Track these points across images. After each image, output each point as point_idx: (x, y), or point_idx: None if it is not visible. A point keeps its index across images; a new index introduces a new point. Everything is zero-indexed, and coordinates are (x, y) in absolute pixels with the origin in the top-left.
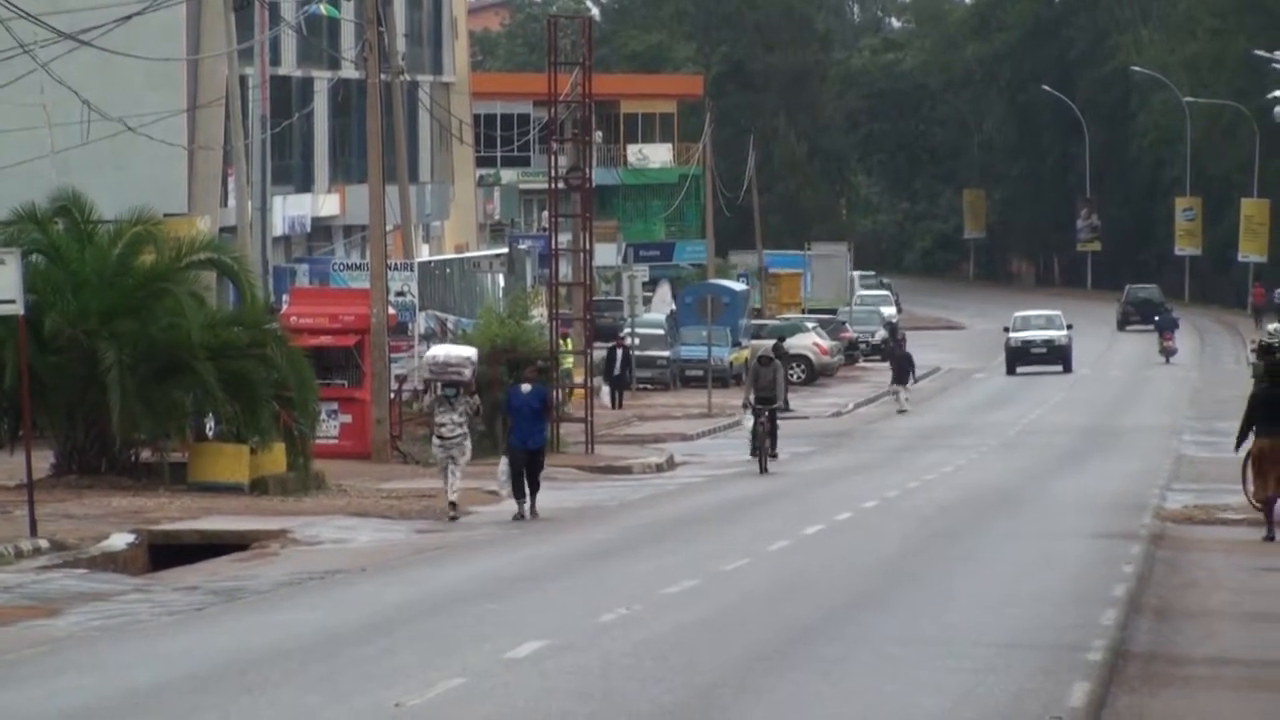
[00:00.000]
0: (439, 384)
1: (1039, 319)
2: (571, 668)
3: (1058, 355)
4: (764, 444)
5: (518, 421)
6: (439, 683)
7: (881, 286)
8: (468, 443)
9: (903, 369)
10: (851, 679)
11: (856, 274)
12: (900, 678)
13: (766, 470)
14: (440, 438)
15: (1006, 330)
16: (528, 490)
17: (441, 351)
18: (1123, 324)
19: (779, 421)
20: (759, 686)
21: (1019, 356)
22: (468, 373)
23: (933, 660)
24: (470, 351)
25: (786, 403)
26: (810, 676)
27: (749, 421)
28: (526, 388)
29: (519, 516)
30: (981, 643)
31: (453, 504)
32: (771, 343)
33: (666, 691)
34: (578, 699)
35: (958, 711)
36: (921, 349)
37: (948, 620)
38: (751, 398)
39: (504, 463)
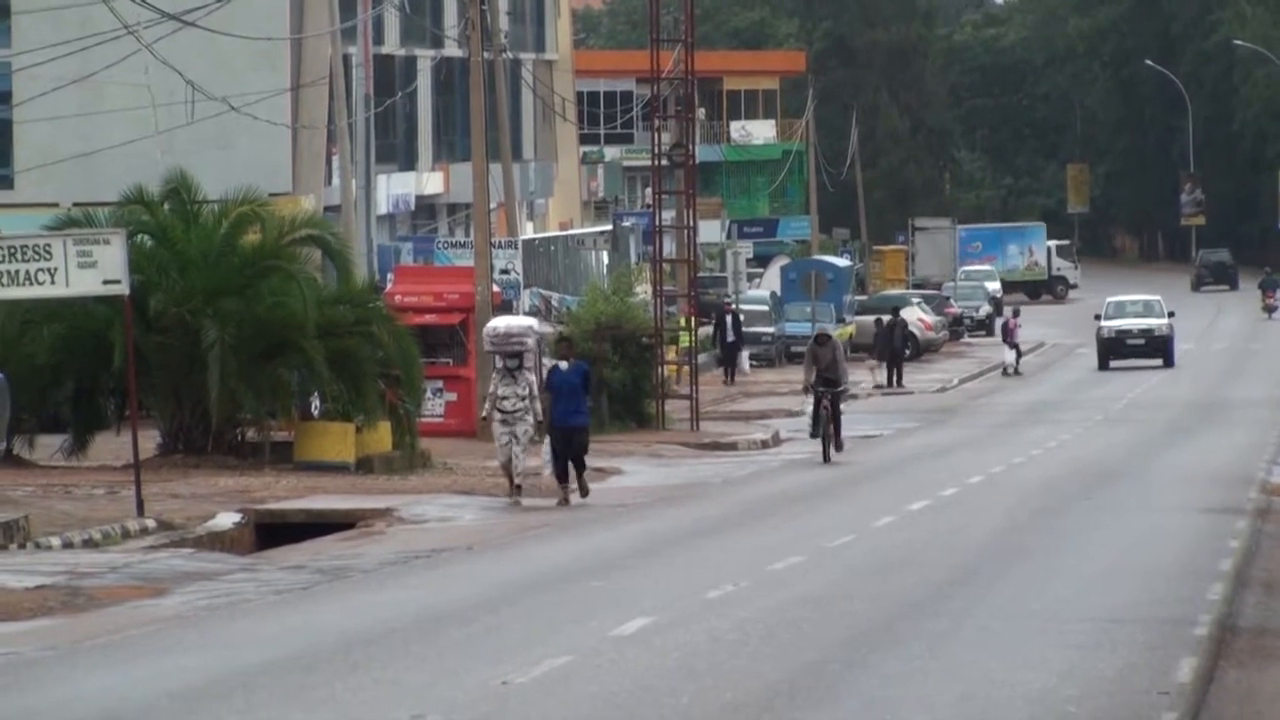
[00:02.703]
0: (499, 357)
1: (1136, 305)
2: (678, 645)
3: (1158, 348)
4: (827, 430)
5: (557, 399)
6: (545, 660)
7: (1075, 258)
8: (530, 418)
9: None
10: (957, 654)
11: (1053, 244)
12: (1005, 653)
13: (830, 460)
14: (501, 412)
15: (1097, 318)
16: (573, 470)
17: (502, 323)
18: (1197, 285)
19: (843, 405)
20: (865, 662)
21: (1112, 349)
22: (530, 342)
23: (1038, 635)
24: (531, 321)
25: (900, 375)
26: (916, 652)
27: (809, 407)
28: (565, 365)
29: (563, 502)
30: (1087, 618)
31: (518, 487)
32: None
33: (773, 668)
34: (685, 676)
35: (1063, 687)
36: (1025, 324)
37: (1053, 595)
38: (812, 379)
39: (548, 442)
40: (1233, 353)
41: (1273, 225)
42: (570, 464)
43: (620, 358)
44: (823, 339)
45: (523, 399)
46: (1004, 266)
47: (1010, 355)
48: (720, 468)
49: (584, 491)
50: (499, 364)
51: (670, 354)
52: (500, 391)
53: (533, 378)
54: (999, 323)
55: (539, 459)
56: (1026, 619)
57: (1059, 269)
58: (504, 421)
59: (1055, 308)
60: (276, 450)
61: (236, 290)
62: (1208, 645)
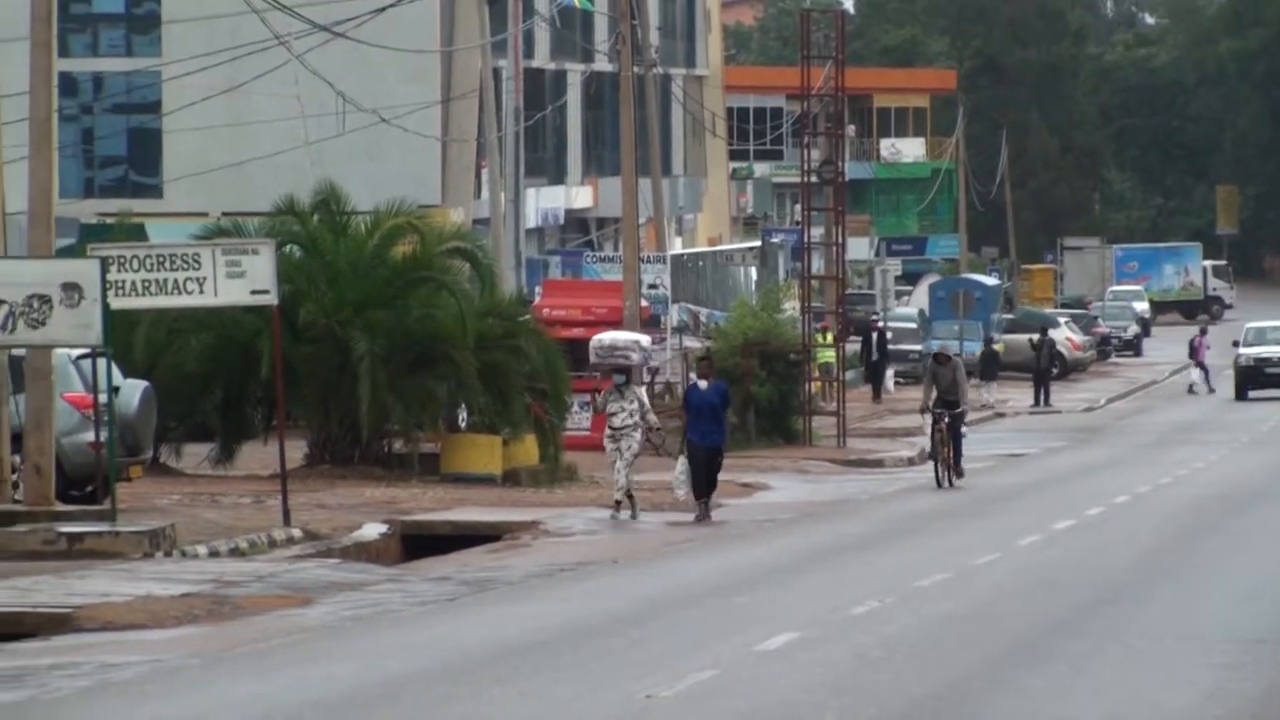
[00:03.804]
0: (608, 370)
1: (1278, 332)
2: (823, 660)
3: None
4: (942, 453)
5: (696, 419)
6: (689, 675)
7: (1231, 278)
8: (637, 434)
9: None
10: (1101, 673)
11: (1208, 264)
12: (1150, 672)
13: (949, 484)
14: (611, 428)
15: (1235, 345)
16: (703, 493)
17: (608, 336)
18: None
19: (964, 427)
20: (1010, 680)
21: (1251, 378)
22: (635, 356)
23: (1182, 655)
24: (639, 336)
25: (1047, 394)
26: (1061, 671)
27: (929, 428)
28: (704, 384)
29: (701, 517)
30: (1232, 638)
31: (618, 502)
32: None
33: (918, 684)
34: (830, 692)
35: (1207, 708)
36: (1174, 344)
37: (1198, 615)
38: (932, 400)
39: (682, 461)
40: None
41: None
42: (705, 482)
43: (768, 374)
44: (943, 358)
45: (630, 415)
46: (1159, 286)
47: (1197, 374)
48: (866, 484)
49: (707, 514)
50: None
51: (813, 371)
52: (609, 408)
53: (641, 391)
54: (1180, 340)
55: (670, 474)
56: (1171, 639)
57: (1215, 289)
58: (611, 438)
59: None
60: (423, 462)
61: (386, 302)
62: None
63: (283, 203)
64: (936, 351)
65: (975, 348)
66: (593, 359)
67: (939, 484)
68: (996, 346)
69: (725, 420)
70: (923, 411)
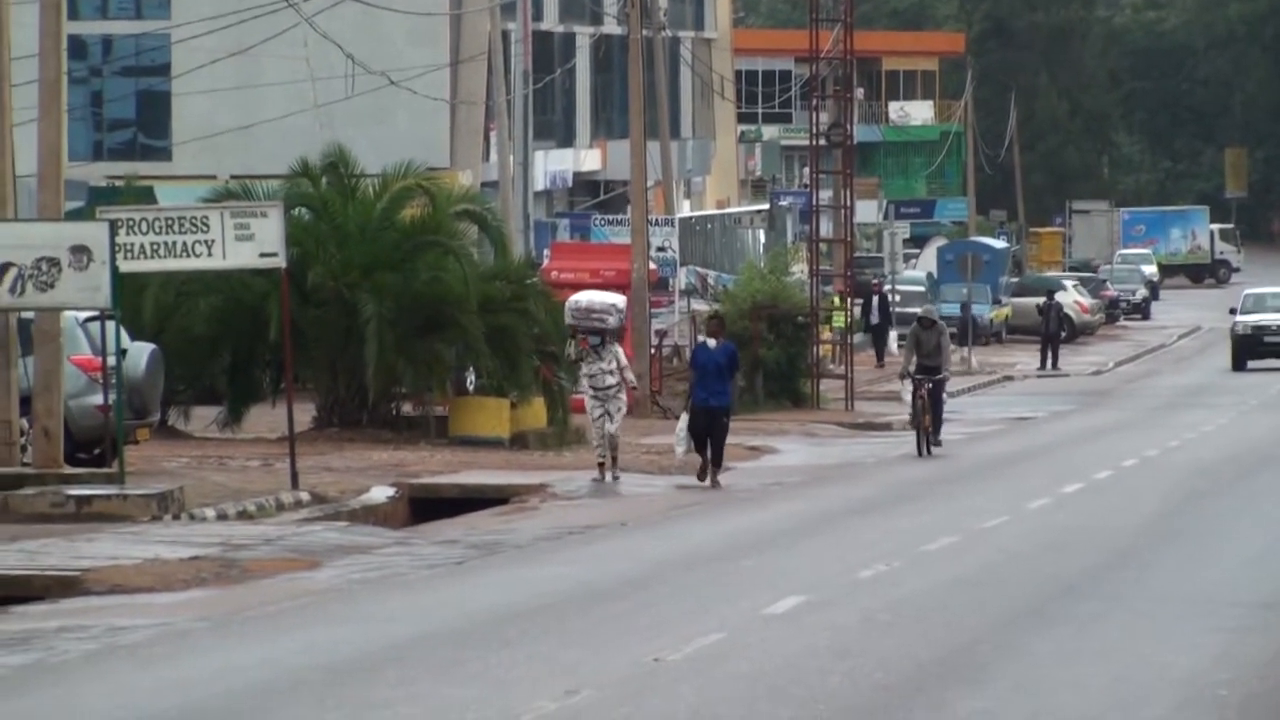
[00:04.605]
0: (583, 332)
1: (1278, 299)
2: (830, 624)
3: None
4: (923, 421)
5: (701, 378)
6: (697, 638)
7: (1238, 242)
8: (623, 395)
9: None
10: (1109, 637)
11: (1215, 228)
12: (1157, 636)
13: (928, 453)
14: (594, 389)
15: (1233, 312)
16: (710, 462)
17: (584, 297)
18: None
19: (945, 395)
20: (1017, 644)
21: (1249, 347)
22: (612, 320)
23: (1190, 619)
24: (616, 298)
25: (1055, 358)
26: (1068, 634)
27: (908, 394)
28: (713, 343)
29: (701, 477)
30: (1240, 602)
31: (601, 464)
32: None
33: (925, 648)
34: (836, 656)
35: (1215, 671)
36: (1181, 307)
37: (1206, 579)
38: (912, 367)
39: (683, 420)
40: None
41: None
42: (710, 453)
43: (775, 337)
44: (927, 322)
45: (612, 374)
46: (1167, 250)
47: None
48: (874, 448)
49: (715, 483)
50: (574, 340)
51: (824, 334)
52: (587, 369)
53: (619, 349)
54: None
55: (670, 437)
56: (1179, 602)
57: (1222, 253)
58: (596, 399)
59: (1214, 291)
60: (432, 424)
61: (394, 265)
62: None
63: (296, 165)
64: (920, 315)
65: (985, 310)
66: (568, 319)
67: (919, 453)
68: (1005, 309)
69: (732, 382)
70: (902, 377)
